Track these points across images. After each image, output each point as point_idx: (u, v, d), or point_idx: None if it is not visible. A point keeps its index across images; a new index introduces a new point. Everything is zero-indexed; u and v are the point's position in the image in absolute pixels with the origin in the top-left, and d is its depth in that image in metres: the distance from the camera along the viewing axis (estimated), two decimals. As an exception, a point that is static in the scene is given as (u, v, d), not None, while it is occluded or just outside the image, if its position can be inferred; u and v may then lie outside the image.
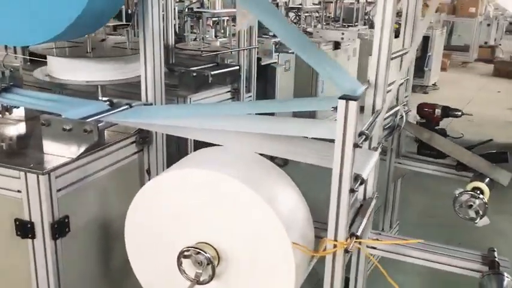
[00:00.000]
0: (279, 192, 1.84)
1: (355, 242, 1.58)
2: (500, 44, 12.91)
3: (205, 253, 1.76)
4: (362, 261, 1.68)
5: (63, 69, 2.44)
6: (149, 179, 2.35)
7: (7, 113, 2.31)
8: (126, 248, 1.92)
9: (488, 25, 12.59)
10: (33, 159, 1.91)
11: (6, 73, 2.24)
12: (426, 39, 8.48)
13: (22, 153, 2.01)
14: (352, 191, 1.52)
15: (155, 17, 2.17)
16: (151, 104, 2.23)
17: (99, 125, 1.91)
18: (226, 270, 1.81)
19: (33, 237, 1.87)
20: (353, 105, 1.44)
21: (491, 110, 7.71)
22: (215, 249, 1.80)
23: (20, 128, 2.29)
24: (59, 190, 1.87)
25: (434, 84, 9.10)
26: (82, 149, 1.92)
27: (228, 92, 3.45)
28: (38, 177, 1.80)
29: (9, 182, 1.86)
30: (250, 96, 3.70)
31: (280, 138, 1.84)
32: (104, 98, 2.26)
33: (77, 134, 1.90)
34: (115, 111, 2.06)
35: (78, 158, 1.92)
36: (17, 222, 1.87)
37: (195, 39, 4.08)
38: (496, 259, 1.89)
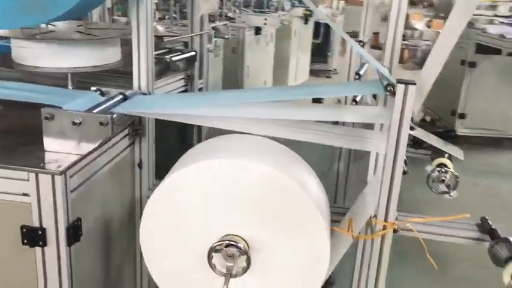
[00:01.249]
0: (305, 177, 1.83)
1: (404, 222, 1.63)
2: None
3: (239, 244, 1.71)
4: (388, 243, 1.73)
5: (33, 55, 2.18)
6: (140, 174, 2.22)
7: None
8: (142, 250, 1.78)
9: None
10: (37, 158, 1.70)
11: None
12: (328, 26, 8.83)
13: (17, 151, 1.77)
14: (404, 173, 1.56)
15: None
16: (147, 94, 2.08)
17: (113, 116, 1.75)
18: (257, 260, 1.77)
19: (44, 244, 1.67)
20: (412, 89, 1.48)
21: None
22: (244, 240, 1.75)
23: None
24: (72, 191, 1.68)
25: (334, 69, 9.53)
26: (95, 144, 1.74)
27: (182, 79, 3.33)
28: (53, 177, 1.60)
29: (12, 185, 1.64)
30: (202, 83, 3.60)
31: (293, 123, 1.83)
32: (93, 88, 2.06)
33: (88, 127, 1.72)
34: (126, 101, 1.90)
35: (88, 154, 1.74)
36: (24, 230, 1.66)
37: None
38: (493, 227, 2.06)
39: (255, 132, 1.83)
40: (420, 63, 11.01)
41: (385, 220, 1.62)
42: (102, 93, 2.04)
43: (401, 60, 11.00)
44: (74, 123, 1.71)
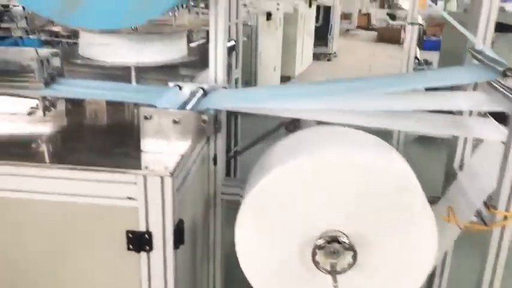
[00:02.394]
0: (407, 168, 1.79)
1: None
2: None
3: (344, 240, 1.68)
4: (508, 235, 1.71)
5: (103, 49, 2.09)
6: (215, 169, 2.16)
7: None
8: (237, 250, 1.73)
9: (362, -6, 13.44)
10: (136, 159, 1.63)
11: (49, 60, 1.85)
12: (328, 9, 8.78)
13: (112, 153, 1.70)
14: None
15: (225, -11, 1.95)
16: (226, 87, 2.01)
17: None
18: (362, 256, 1.73)
19: (150, 249, 1.61)
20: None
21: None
22: (346, 235, 1.72)
23: (82, 124, 1.96)
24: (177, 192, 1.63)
25: (334, 53, 9.50)
26: (195, 143, 1.68)
27: (221, 69, 3.25)
28: (162, 179, 1.54)
29: (116, 189, 1.57)
30: (237, 73, 3.54)
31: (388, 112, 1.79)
32: (171, 83, 1.99)
33: (188, 126, 1.65)
34: (211, 96, 1.83)
35: (188, 153, 1.68)
36: (130, 235, 1.59)
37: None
38: None
39: (351, 122, 1.78)
40: (418, 45, 11.06)
41: (507, 210, 1.60)
42: (180, 88, 1.97)
43: (397, 42, 11.02)
44: (175, 122, 1.64)
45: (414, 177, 1.73)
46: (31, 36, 3.29)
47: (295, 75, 7.17)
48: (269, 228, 1.70)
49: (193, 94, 1.89)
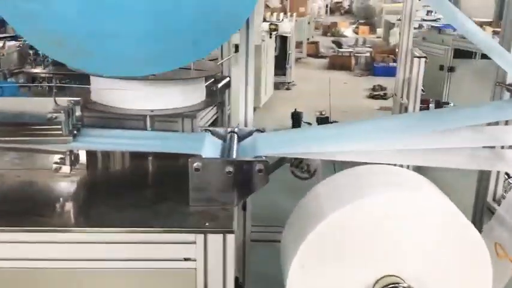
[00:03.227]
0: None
1: None
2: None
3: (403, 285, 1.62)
4: None
5: (119, 95, 1.95)
6: (244, 216, 2.06)
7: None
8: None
9: (308, 23, 13.74)
10: (188, 215, 1.51)
11: (73, 110, 1.71)
12: (285, 38, 8.87)
13: (157, 210, 1.56)
14: None
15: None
16: (261, 131, 1.92)
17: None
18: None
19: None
20: None
21: (354, 101, 8.44)
22: (404, 280, 1.66)
23: (112, 178, 1.83)
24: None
25: (293, 81, 9.58)
26: (245, 194, 1.58)
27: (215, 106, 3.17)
28: (224, 236, 1.42)
29: (173, 251, 1.44)
30: (229, 110, 3.46)
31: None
32: (200, 128, 1.89)
33: (242, 175, 1.55)
34: (249, 141, 1.74)
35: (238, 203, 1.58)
36: (187, 298, 1.46)
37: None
38: None
39: (399, 162, 1.75)
40: (366, 69, 11.38)
41: None
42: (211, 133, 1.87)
43: (349, 68, 11.30)
44: (228, 173, 1.53)
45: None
46: (9, 80, 3.05)
47: (260, 105, 7.16)
48: (324, 275, 1.62)
49: (231, 140, 1.79)
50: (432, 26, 6.02)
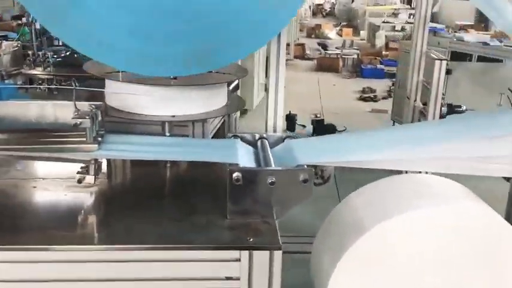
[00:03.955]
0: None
1: None
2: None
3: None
4: None
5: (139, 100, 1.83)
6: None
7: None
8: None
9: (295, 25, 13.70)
10: (228, 229, 1.40)
11: (97, 116, 1.58)
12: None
13: (192, 223, 1.45)
14: None
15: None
16: (292, 137, 1.82)
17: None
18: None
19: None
20: None
21: (344, 102, 8.40)
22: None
23: (137, 189, 1.70)
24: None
25: (282, 82, 9.47)
26: (289, 206, 1.47)
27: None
28: (271, 254, 1.32)
29: (216, 269, 1.33)
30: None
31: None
32: (229, 134, 1.78)
33: (287, 187, 1.44)
34: (285, 147, 1.64)
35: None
36: (230, 320, 1.35)
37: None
38: None
39: (438, 170, 1.68)
40: (353, 71, 11.35)
41: None
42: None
43: (336, 70, 11.26)
44: (271, 183, 1.42)
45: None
46: (6, 81, 2.90)
47: (253, 107, 7.05)
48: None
49: (263, 146, 1.69)
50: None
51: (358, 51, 12.18)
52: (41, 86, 2.97)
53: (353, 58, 11.87)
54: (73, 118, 1.51)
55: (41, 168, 1.73)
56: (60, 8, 1.25)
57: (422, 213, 1.53)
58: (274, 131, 1.86)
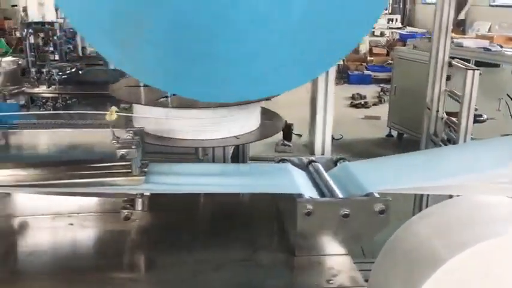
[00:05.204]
0: None
1: None
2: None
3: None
4: None
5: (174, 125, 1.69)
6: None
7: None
8: None
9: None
10: (301, 269, 1.27)
11: (139, 142, 1.41)
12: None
13: (261, 266, 1.30)
14: None
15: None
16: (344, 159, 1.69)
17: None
18: None
19: None
20: None
21: (335, 110, 8.26)
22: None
23: (184, 221, 1.53)
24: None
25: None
26: (367, 240, 1.34)
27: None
28: (355, 295, 1.19)
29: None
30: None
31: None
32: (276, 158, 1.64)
33: (361, 219, 1.31)
34: (342, 173, 1.51)
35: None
36: None
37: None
38: None
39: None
40: (340, 78, 11.30)
41: None
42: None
43: (324, 76, 11.19)
44: (345, 216, 1.29)
45: None
46: (8, 101, 2.72)
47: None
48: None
49: (316, 172, 1.56)
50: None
51: (343, 57, 12.17)
52: (75, 112, 2.74)
53: (339, 64, 11.83)
54: (117, 149, 1.35)
55: (73, 201, 1.57)
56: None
57: (500, 242, 1.42)
58: (322, 153, 1.73)
